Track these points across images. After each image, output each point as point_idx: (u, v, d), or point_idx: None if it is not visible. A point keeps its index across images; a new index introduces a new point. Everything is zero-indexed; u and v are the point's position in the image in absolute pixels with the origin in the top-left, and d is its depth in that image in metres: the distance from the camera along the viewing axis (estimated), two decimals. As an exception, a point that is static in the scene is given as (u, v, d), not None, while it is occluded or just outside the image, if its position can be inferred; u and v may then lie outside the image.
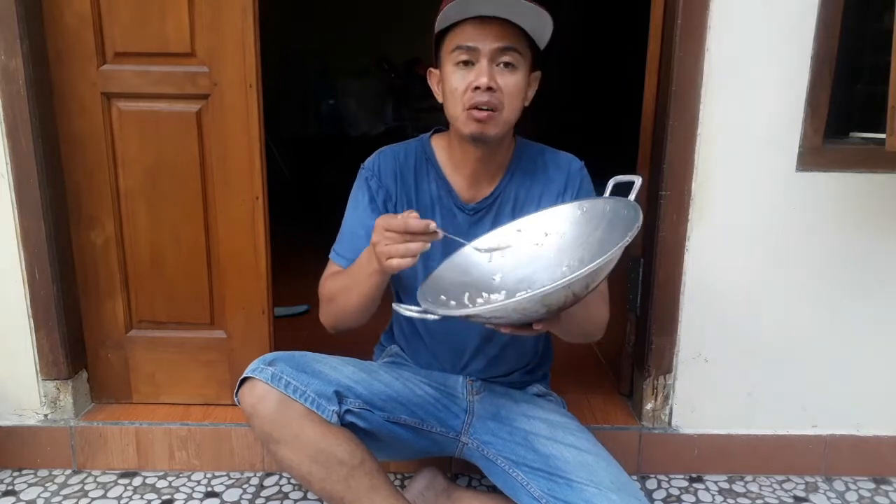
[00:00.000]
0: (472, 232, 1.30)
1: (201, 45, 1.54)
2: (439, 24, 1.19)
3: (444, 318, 1.03)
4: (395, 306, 1.04)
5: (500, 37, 1.15)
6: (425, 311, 1.02)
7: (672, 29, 1.49)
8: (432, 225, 1.02)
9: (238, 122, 1.57)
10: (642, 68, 1.62)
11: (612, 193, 1.14)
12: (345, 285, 1.23)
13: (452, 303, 1.11)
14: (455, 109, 1.20)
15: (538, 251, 1.19)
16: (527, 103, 1.25)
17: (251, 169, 1.59)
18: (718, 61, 1.48)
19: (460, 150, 1.29)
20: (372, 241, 1.07)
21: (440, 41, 1.23)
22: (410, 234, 1.02)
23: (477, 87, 1.16)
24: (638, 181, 1.09)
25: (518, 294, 0.94)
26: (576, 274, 0.91)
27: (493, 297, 1.13)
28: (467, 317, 0.99)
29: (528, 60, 1.21)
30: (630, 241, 0.95)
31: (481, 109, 1.17)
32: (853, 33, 1.50)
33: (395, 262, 1.03)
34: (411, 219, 1.02)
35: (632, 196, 1.08)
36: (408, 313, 1.03)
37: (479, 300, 1.13)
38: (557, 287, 0.91)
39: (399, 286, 1.36)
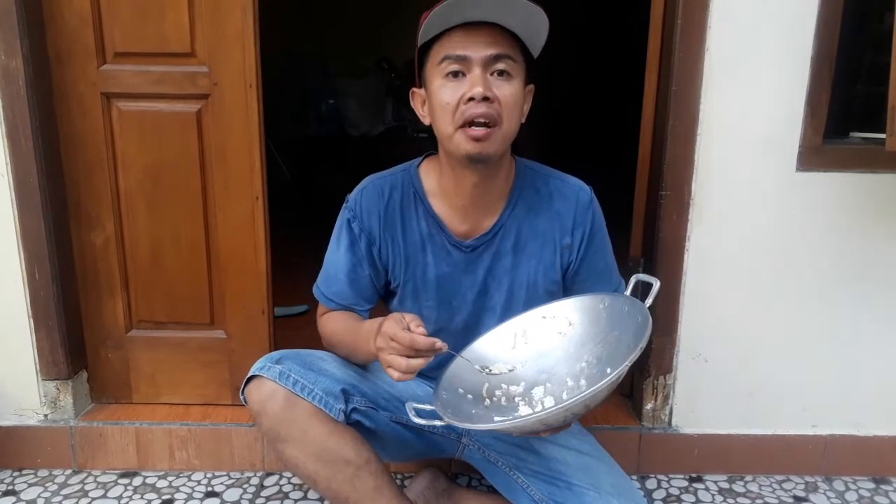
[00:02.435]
0: (469, 269, 1.25)
1: (201, 45, 1.54)
2: (422, 36, 1.09)
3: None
4: (409, 409, 1.04)
5: (492, 43, 1.05)
6: (433, 416, 1.04)
7: (672, 28, 1.49)
8: (438, 343, 1.01)
9: (238, 122, 1.57)
10: (638, 73, 1.62)
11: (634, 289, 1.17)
12: (345, 342, 1.25)
13: (469, 396, 1.14)
14: (447, 128, 1.09)
15: (560, 341, 1.19)
16: (523, 120, 1.15)
17: (251, 169, 1.59)
18: (718, 61, 1.48)
19: (453, 176, 1.18)
20: (378, 346, 1.06)
21: (423, 57, 1.13)
22: (415, 351, 1.00)
23: (471, 99, 1.05)
24: (656, 285, 1.10)
25: (517, 416, 1.01)
26: (573, 399, 0.95)
27: (511, 388, 1.17)
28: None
29: (522, 70, 1.11)
30: (631, 363, 0.96)
31: (478, 126, 1.06)
32: (853, 33, 1.50)
33: (396, 375, 1.02)
34: (418, 336, 1.00)
35: (648, 301, 1.09)
36: (419, 420, 1.03)
37: (498, 392, 1.16)
38: (556, 410, 0.95)
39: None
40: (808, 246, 1.57)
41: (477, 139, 1.07)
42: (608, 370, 1.08)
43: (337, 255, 1.27)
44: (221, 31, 1.52)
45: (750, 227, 1.56)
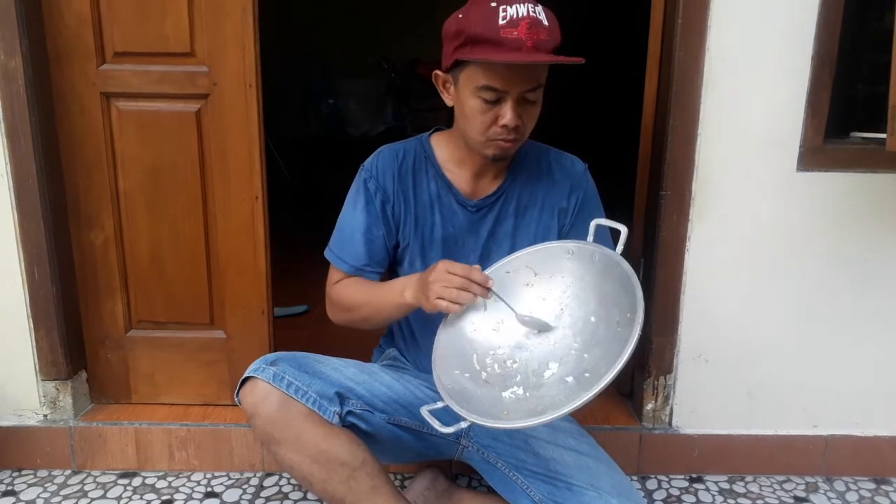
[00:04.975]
0: (472, 230, 1.32)
1: (201, 45, 1.53)
2: (472, 54, 1.12)
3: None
4: (426, 416, 1.03)
5: (529, 80, 1.14)
6: (455, 419, 1.01)
7: (672, 28, 1.49)
8: (491, 282, 1.11)
9: (238, 122, 1.57)
10: (639, 73, 1.62)
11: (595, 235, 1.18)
12: (368, 302, 1.28)
13: (467, 375, 1.13)
14: (477, 136, 1.20)
15: (529, 291, 1.20)
16: None
17: (251, 169, 1.59)
18: (719, 61, 1.47)
19: (467, 151, 1.28)
20: (429, 279, 1.13)
21: (460, 61, 1.17)
22: (468, 282, 1.10)
23: (504, 125, 1.16)
24: (624, 232, 1.12)
25: (538, 415, 0.98)
26: (590, 394, 0.95)
27: (498, 351, 1.17)
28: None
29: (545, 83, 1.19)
30: (635, 342, 0.97)
31: (506, 141, 1.18)
32: (853, 33, 1.49)
33: (444, 304, 1.10)
34: (475, 269, 1.11)
35: (619, 248, 1.11)
36: (446, 430, 1.01)
37: (487, 360, 1.16)
38: (589, 397, 0.95)
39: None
40: (808, 246, 1.57)
41: (502, 148, 1.20)
42: (591, 318, 1.12)
43: (353, 216, 1.32)
44: (221, 31, 1.52)
45: (750, 228, 1.56)
